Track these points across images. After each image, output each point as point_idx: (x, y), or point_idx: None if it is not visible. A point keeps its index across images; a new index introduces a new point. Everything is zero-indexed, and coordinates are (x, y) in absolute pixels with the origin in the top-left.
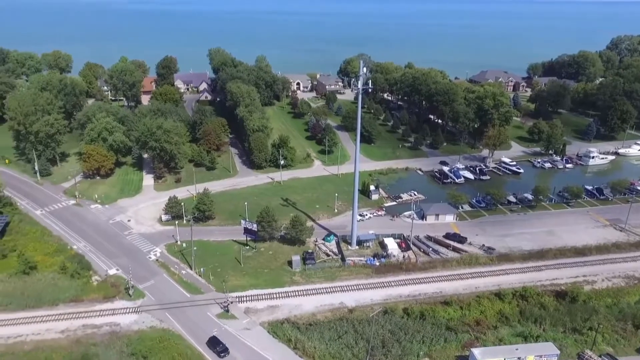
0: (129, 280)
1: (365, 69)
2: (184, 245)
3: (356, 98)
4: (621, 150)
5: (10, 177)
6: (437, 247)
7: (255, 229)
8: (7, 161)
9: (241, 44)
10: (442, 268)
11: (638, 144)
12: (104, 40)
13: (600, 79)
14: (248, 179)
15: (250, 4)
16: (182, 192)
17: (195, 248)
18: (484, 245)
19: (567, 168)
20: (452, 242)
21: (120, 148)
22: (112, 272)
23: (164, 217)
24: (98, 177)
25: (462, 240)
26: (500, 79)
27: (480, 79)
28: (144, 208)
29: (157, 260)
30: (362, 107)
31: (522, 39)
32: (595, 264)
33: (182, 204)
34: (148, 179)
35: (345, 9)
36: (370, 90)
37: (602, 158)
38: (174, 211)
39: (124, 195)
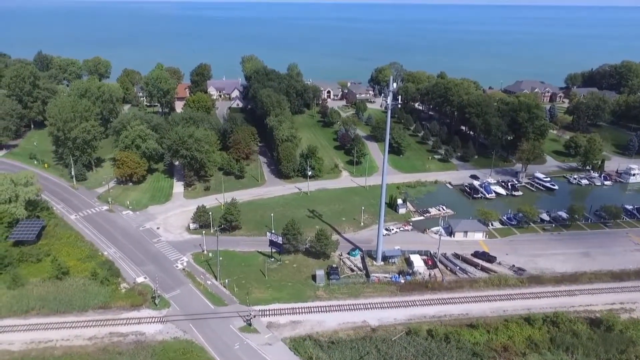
0: (155, 290)
1: (395, 85)
2: (210, 254)
3: (386, 107)
4: None
5: (48, 181)
6: (464, 265)
7: (281, 242)
8: (45, 165)
9: (274, 50)
10: (469, 288)
11: None
12: (143, 46)
13: None
14: (275, 189)
15: (284, 11)
16: (211, 201)
17: (221, 258)
18: (514, 265)
19: (605, 185)
20: (480, 261)
21: (153, 155)
22: (140, 280)
23: (192, 226)
24: (130, 183)
25: (491, 259)
26: (536, 90)
27: (516, 89)
28: (173, 216)
29: (183, 269)
30: (392, 117)
31: (561, 47)
32: (634, 290)
33: (210, 213)
34: (178, 186)
35: (375, 16)
36: (399, 106)
37: None
38: (201, 220)
39: (154, 202)
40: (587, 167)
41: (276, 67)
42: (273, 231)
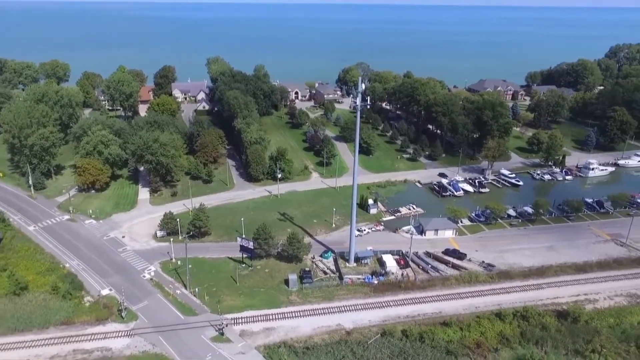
0: (122, 302)
1: (363, 86)
2: (179, 263)
3: (354, 108)
4: (621, 162)
5: (4, 190)
6: (436, 264)
7: (252, 247)
8: (0, 174)
9: (239, 52)
10: (442, 286)
11: (638, 155)
12: (103, 48)
13: (599, 88)
14: (245, 192)
15: (250, 12)
16: (178, 206)
17: (190, 266)
18: (483, 261)
19: (567, 180)
20: (451, 259)
21: (116, 161)
22: (104, 292)
23: (159, 233)
24: (93, 191)
25: (461, 256)
26: (499, 88)
27: (479, 87)
28: (138, 223)
29: (151, 279)
30: (360, 117)
31: (521, 47)
32: (597, 281)
33: (178, 219)
34: (144, 193)
35: (341, 17)
36: (369, 106)
37: (602, 169)
38: (169, 227)
39: (118, 210)
40: (550, 163)
41: (242, 68)
42: (243, 236)
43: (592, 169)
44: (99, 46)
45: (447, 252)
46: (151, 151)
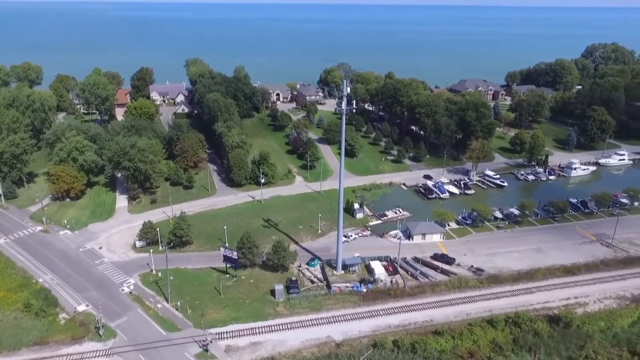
0: (99, 319)
1: (348, 89)
2: (160, 274)
3: (339, 111)
4: (602, 161)
5: None
6: (425, 269)
7: (236, 257)
8: None
9: (219, 53)
10: (432, 293)
11: (618, 154)
12: (78, 50)
13: (578, 87)
14: (227, 198)
15: (229, 12)
16: (158, 214)
17: (171, 278)
18: (472, 266)
19: (550, 180)
20: (440, 264)
21: (92, 168)
22: (81, 308)
23: (138, 244)
24: (68, 199)
25: (450, 261)
26: (480, 88)
27: (460, 88)
28: (116, 233)
29: (130, 293)
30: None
31: (500, 46)
32: (586, 284)
33: (158, 229)
34: (122, 200)
35: (322, 17)
36: (354, 110)
37: (584, 169)
38: (148, 237)
39: (95, 219)
40: (533, 163)
41: (222, 70)
42: (227, 245)
43: (575, 168)
44: (73, 48)
45: (435, 256)
46: (128, 157)
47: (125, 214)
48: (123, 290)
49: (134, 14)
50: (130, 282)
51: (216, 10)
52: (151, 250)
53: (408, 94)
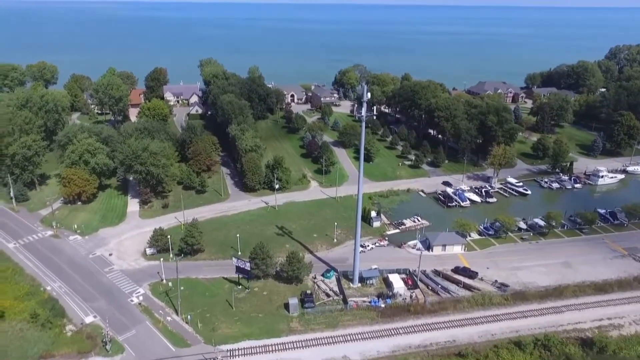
0: (106, 332)
1: (369, 95)
2: (170, 284)
3: (352, 111)
4: (630, 168)
5: None
6: (446, 284)
7: (248, 268)
8: None
9: (233, 53)
10: (454, 310)
11: None
12: (93, 50)
13: (602, 90)
14: (240, 204)
15: (244, 12)
16: (170, 220)
17: (182, 288)
18: (496, 281)
19: (576, 188)
20: (462, 278)
21: (104, 171)
22: (88, 319)
23: (148, 251)
24: (79, 203)
25: (472, 275)
26: (499, 90)
27: (479, 90)
28: (127, 239)
29: (139, 304)
30: (359, 121)
31: (519, 47)
32: (620, 303)
33: (169, 236)
34: (133, 204)
35: (333, 17)
36: (374, 117)
37: (612, 177)
38: (159, 244)
39: (106, 224)
40: (557, 170)
41: (236, 70)
42: (239, 254)
43: (602, 176)
44: (89, 48)
45: (457, 270)
46: (140, 161)
47: (137, 218)
48: (132, 300)
49: (147, 14)
50: (139, 292)
51: (229, 10)
52: (162, 259)
53: (426, 97)
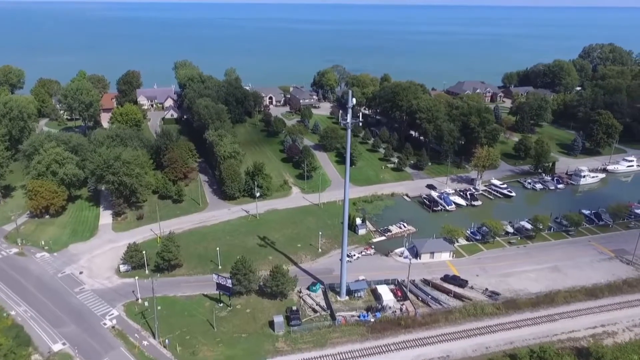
0: None
1: (354, 100)
2: (146, 304)
3: (332, 112)
4: (610, 167)
5: None
6: (436, 294)
7: (230, 285)
8: None
9: (208, 54)
10: (446, 322)
11: (626, 160)
12: (62, 52)
13: (577, 89)
14: (220, 213)
15: (221, 12)
16: (145, 232)
17: (159, 308)
18: (487, 289)
19: (559, 189)
20: (452, 287)
21: (73, 182)
22: (57, 347)
23: (122, 268)
24: (47, 216)
25: (462, 283)
26: (477, 90)
27: (458, 90)
28: (99, 255)
29: (113, 327)
30: (339, 124)
31: (495, 47)
32: (612, 309)
33: (144, 252)
34: (105, 217)
35: (311, 18)
36: (360, 123)
37: (593, 177)
38: (134, 260)
39: (76, 239)
40: (539, 170)
41: (212, 72)
42: (220, 268)
43: (584, 176)
44: (58, 50)
45: (446, 278)
46: (112, 170)
47: (110, 232)
48: (105, 324)
49: (123, 14)
50: (113, 314)
51: (203, 10)
52: (136, 278)
53: (407, 98)
